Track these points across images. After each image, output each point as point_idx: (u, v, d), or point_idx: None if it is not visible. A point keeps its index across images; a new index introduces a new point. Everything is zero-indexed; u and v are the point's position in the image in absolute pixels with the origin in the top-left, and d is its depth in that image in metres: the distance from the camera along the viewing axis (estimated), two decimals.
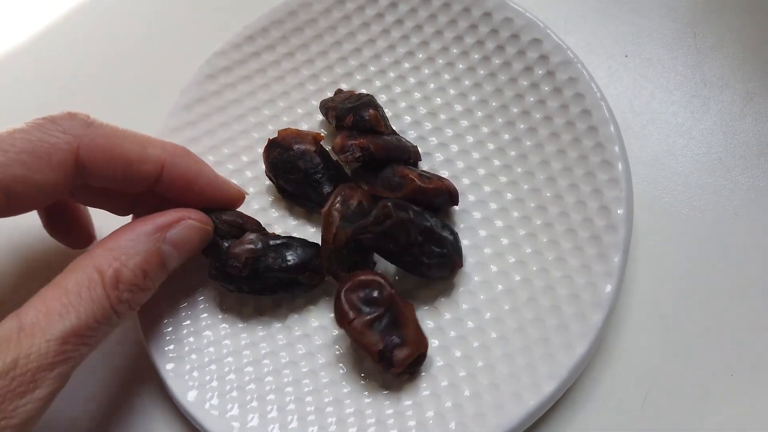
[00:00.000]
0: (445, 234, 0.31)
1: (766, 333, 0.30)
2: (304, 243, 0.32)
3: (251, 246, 0.31)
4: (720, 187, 0.33)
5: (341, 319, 0.29)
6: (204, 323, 0.33)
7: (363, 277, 0.30)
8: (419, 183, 0.31)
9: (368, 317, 0.29)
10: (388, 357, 0.29)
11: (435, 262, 0.30)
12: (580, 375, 0.30)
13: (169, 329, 0.33)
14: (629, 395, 0.30)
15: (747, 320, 0.30)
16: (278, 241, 0.32)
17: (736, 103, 0.34)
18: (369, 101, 0.33)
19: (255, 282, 0.31)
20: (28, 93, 0.43)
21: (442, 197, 0.32)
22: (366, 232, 0.29)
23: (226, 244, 0.31)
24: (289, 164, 0.34)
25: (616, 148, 0.31)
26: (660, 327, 0.31)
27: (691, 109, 0.35)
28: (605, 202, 0.30)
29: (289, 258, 0.31)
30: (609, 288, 0.29)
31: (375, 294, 0.30)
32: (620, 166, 0.30)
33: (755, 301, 0.31)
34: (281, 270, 0.31)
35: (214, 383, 0.31)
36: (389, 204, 0.29)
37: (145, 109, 0.41)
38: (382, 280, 0.30)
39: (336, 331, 0.32)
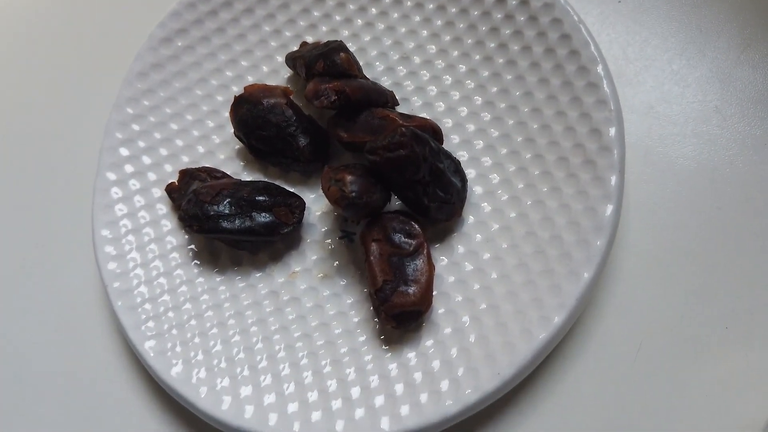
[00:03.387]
0: (455, 180, 0.29)
1: (761, 285, 0.29)
2: (280, 187, 0.31)
3: (225, 181, 0.31)
4: (716, 136, 0.31)
5: (369, 231, 0.28)
6: (183, 298, 0.31)
7: (405, 217, 0.29)
8: (401, 122, 0.29)
9: (392, 248, 0.28)
10: (387, 295, 0.27)
11: (435, 206, 0.29)
12: (572, 328, 0.28)
13: (147, 306, 0.30)
14: (622, 348, 0.28)
15: (741, 272, 0.29)
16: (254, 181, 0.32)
17: (732, 50, 0.33)
18: (338, 46, 0.32)
19: (231, 216, 0.30)
20: None
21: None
22: (375, 153, 0.27)
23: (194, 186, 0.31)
24: (259, 120, 0.32)
25: (600, 69, 0.30)
26: (653, 279, 0.29)
27: (686, 56, 0.33)
28: (595, 124, 0.29)
29: (266, 193, 0.31)
30: (609, 210, 0.28)
31: (410, 235, 0.28)
32: (606, 86, 0.29)
33: (750, 252, 0.29)
34: (259, 199, 0.30)
35: (200, 357, 0.29)
36: (407, 132, 0.27)
37: (97, 79, 0.38)
38: (420, 231, 0.29)
39: (320, 274, 0.30)
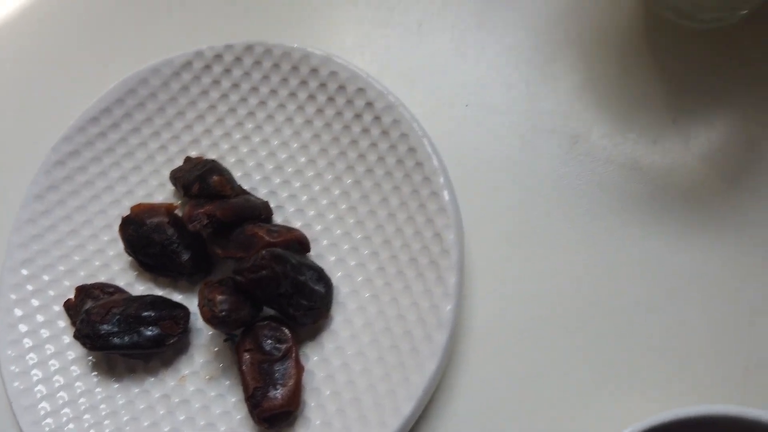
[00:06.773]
0: (318, 287, 0.33)
1: (587, 364, 0.32)
2: (167, 300, 0.35)
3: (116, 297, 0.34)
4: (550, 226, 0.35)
5: (242, 342, 0.32)
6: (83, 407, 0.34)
7: (276, 323, 0.33)
8: (268, 239, 0.33)
9: (262, 356, 0.31)
10: (258, 400, 0.31)
11: (300, 313, 0.33)
12: (424, 411, 0.32)
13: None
14: (469, 429, 0.32)
15: (573, 356, 0.32)
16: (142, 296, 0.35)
17: (563, 146, 0.37)
18: (213, 167, 0.35)
19: (120, 333, 0.33)
20: None
21: (292, 248, 0.34)
22: (241, 274, 0.31)
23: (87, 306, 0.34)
24: (144, 239, 0.35)
25: (441, 179, 0.34)
26: (494, 364, 0.33)
27: (524, 153, 0.37)
28: (437, 229, 0.33)
29: (152, 308, 0.34)
30: (449, 308, 0.32)
31: (280, 341, 0.32)
32: (446, 195, 0.34)
33: (579, 338, 0.33)
34: (145, 315, 0.33)
35: None
36: (267, 255, 0.31)
37: None
38: (290, 336, 0.32)
39: (207, 376, 0.34)
